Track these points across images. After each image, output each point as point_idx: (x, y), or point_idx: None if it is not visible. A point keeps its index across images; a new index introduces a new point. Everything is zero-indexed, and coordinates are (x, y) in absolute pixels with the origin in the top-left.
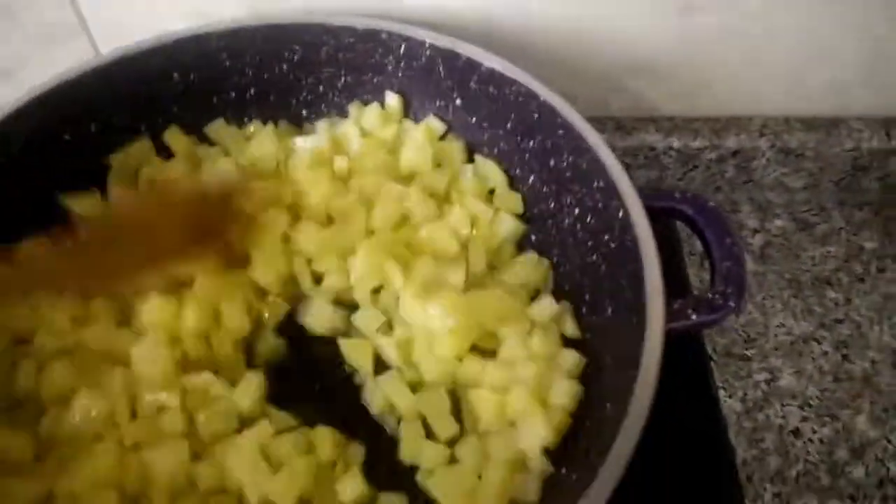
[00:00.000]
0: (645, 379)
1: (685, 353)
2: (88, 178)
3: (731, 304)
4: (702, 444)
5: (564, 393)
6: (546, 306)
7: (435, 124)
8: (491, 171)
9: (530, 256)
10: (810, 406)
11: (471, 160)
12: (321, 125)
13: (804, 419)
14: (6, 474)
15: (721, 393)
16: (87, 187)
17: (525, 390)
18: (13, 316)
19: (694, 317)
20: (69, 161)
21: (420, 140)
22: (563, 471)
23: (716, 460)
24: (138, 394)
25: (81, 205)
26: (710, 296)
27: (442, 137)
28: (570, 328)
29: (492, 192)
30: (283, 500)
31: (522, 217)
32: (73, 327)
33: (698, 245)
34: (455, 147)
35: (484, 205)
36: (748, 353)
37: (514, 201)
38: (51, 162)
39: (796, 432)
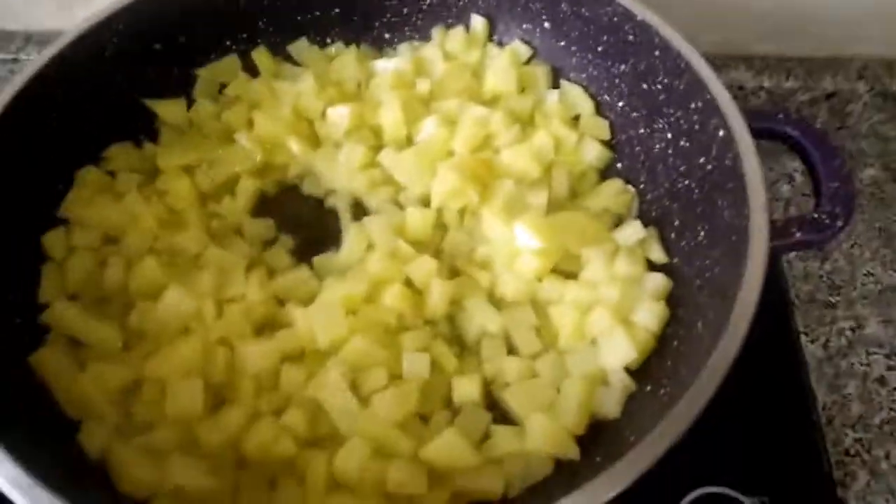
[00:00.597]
0: (748, 292)
1: (768, 295)
2: (176, 88)
3: (839, 223)
4: (781, 386)
5: (649, 314)
6: (631, 231)
7: (520, 48)
8: (577, 96)
9: (615, 183)
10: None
11: (556, 85)
12: (403, 48)
13: (890, 368)
14: (97, 360)
15: (803, 338)
16: (175, 95)
17: (607, 310)
18: (104, 216)
19: (798, 234)
20: (158, 70)
21: (504, 64)
22: (648, 388)
23: (795, 403)
24: (224, 292)
25: (166, 110)
26: (815, 215)
27: (527, 62)
28: (657, 253)
29: (577, 117)
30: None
31: (609, 144)
32: (160, 230)
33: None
34: (540, 71)
35: (568, 130)
36: (833, 300)
37: (601, 127)
38: (141, 70)
39: (881, 380)
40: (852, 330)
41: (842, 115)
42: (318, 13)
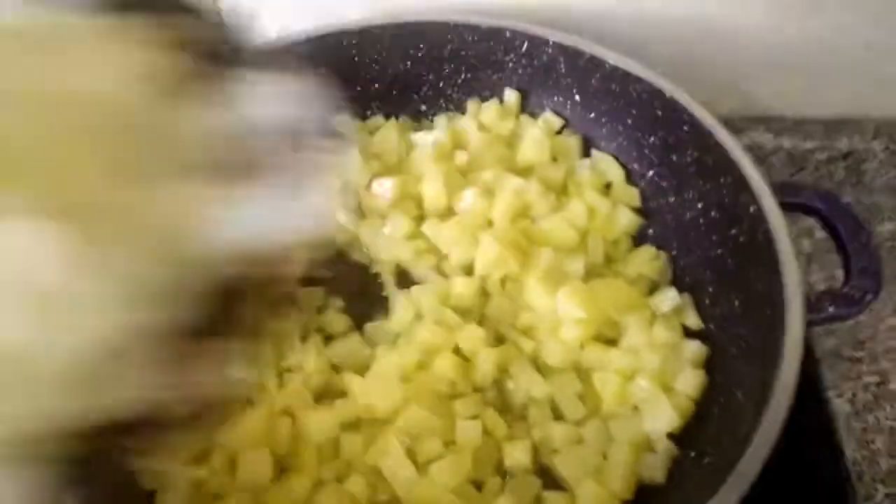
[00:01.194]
0: (787, 370)
1: None
2: None
3: (869, 297)
4: (810, 442)
5: (689, 381)
6: (667, 298)
7: (552, 120)
8: (608, 165)
9: (647, 249)
10: None
11: (587, 154)
12: (439, 120)
13: None
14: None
15: (830, 394)
16: None
17: (649, 377)
18: None
19: (831, 309)
20: None
21: (537, 135)
22: (692, 454)
23: (825, 459)
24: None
25: None
26: (845, 290)
27: (559, 132)
28: (693, 319)
29: (608, 185)
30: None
31: (640, 211)
32: None
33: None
34: (572, 142)
35: (601, 198)
36: (857, 355)
37: (632, 195)
38: None
39: None
40: (877, 385)
41: (858, 172)
42: (359, 89)
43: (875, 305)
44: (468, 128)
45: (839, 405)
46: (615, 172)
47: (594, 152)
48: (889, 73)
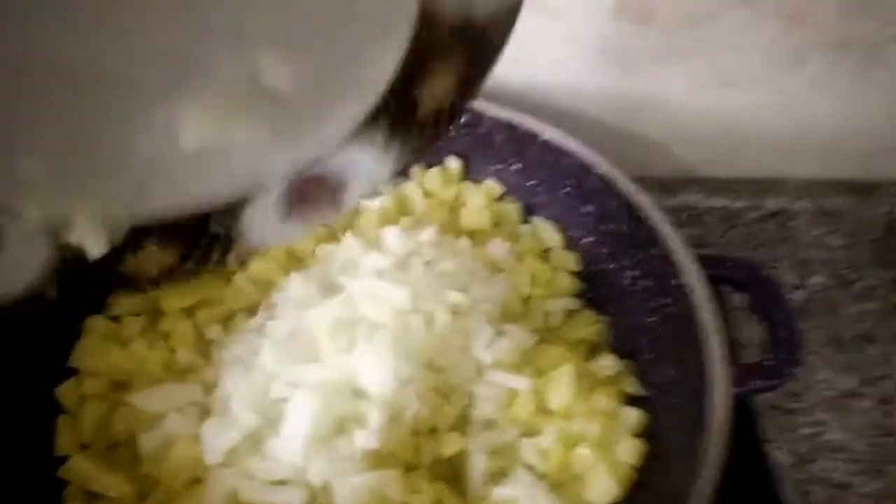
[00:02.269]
0: (714, 445)
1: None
2: None
3: (789, 370)
4: (753, 495)
5: (628, 450)
6: (606, 364)
7: (493, 187)
8: (547, 231)
9: (587, 314)
10: (857, 461)
11: (527, 221)
12: (385, 186)
13: (852, 473)
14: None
15: (769, 446)
16: None
17: (590, 446)
18: (111, 363)
19: (757, 382)
20: None
21: (479, 202)
22: None
23: None
24: None
25: None
26: (769, 363)
27: (500, 198)
28: (632, 386)
29: (547, 251)
30: None
31: (579, 275)
32: (166, 373)
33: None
34: (512, 208)
35: (541, 264)
36: (794, 406)
37: (570, 260)
38: None
39: (844, 486)
40: (814, 436)
41: (787, 229)
42: None
43: (809, 357)
44: (413, 194)
45: (778, 457)
46: (553, 238)
47: (534, 219)
48: (808, 140)
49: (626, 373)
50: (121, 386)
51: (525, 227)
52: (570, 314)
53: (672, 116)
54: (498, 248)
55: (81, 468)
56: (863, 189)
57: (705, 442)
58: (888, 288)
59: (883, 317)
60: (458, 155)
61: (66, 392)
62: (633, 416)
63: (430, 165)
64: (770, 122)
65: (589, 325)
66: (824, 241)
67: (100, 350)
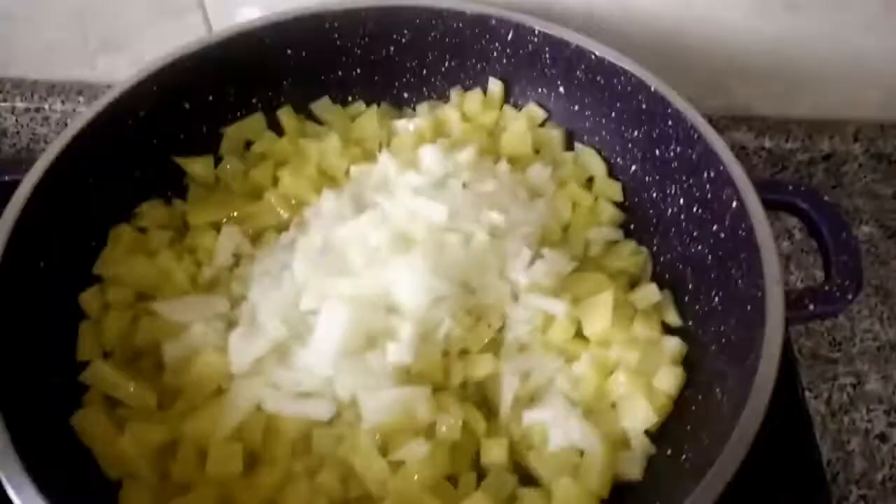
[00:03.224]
0: (766, 368)
1: None
2: (204, 146)
3: (849, 296)
4: (788, 443)
5: (667, 378)
6: (647, 294)
7: (536, 112)
8: (591, 158)
9: (628, 244)
10: None
11: (571, 147)
12: (422, 108)
13: (890, 425)
14: (135, 420)
15: (806, 394)
16: (202, 153)
17: (627, 373)
18: (137, 273)
19: (811, 307)
20: (187, 128)
21: (520, 127)
22: (668, 452)
23: (802, 460)
24: None
25: (195, 168)
26: (826, 288)
27: (542, 124)
28: (672, 316)
29: (591, 179)
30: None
31: (622, 205)
32: (191, 286)
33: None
34: (555, 134)
35: (584, 192)
36: (833, 356)
37: (614, 189)
38: (171, 129)
39: (882, 437)
40: (853, 386)
41: (838, 174)
42: (340, 73)
43: (852, 307)
44: (451, 117)
45: (815, 406)
46: (597, 166)
47: (577, 146)
48: (869, 77)
49: (666, 303)
50: (145, 296)
51: (568, 154)
52: (610, 244)
53: (727, 43)
54: (539, 173)
55: (102, 374)
56: None
57: (754, 370)
58: None
59: None
60: (501, 78)
61: (89, 299)
62: (673, 344)
63: (468, 88)
64: (830, 55)
65: (630, 256)
66: (875, 189)
67: (125, 260)
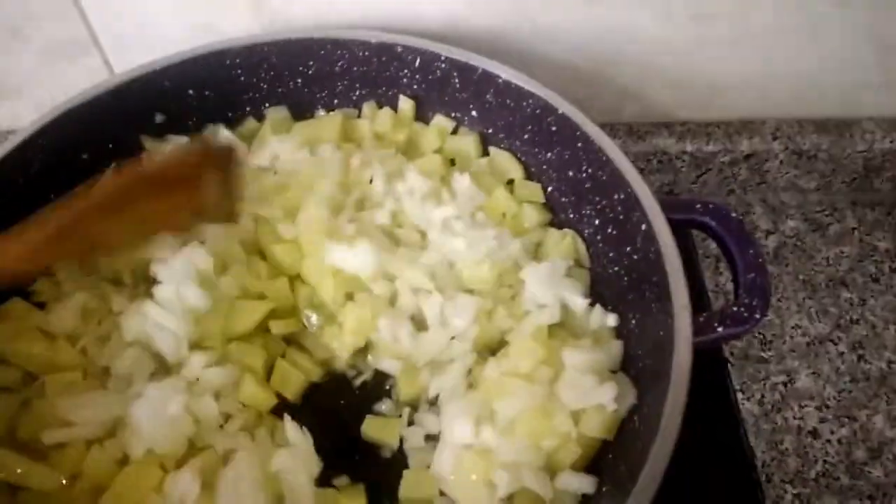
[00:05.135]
0: (675, 396)
1: (702, 355)
2: None
3: (757, 315)
4: (721, 445)
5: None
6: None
7: (444, 122)
8: (507, 162)
9: (553, 233)
10: (827, 407)
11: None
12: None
13: (822, 420)
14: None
15: (739, 395)
16: None
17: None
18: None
19: (720, 329)
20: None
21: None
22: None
23: (735, 462)
24: None
25: None
26: (734, 308)
27: (454, 132)
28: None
29: (510, 183)
30: None
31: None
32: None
33: (711, 247)
34: (468, 141)
35: (508, 197)
36: (765, 355)
37: (534, 190)
38: (69, 180)
39: (814, 433)
40: (784, 384)
41: (761, 172)
42: (248, 108)
43: (781, 303)
44: (362, 129)
45: (749, 407)
46: (514, 169)
47: (492, 149)
48: (782, 77)
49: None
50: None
51: (483, 160)
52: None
53: (640, 55)
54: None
55: (3, 460)
56: (838, 127)
57: (664, 398)
58: (864, 230)
59: (858, 260)
60: (411, 97)
61: None
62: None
63: (380, 105)
64: (741, 59)
65: (561, 243)
66: (798, 184)
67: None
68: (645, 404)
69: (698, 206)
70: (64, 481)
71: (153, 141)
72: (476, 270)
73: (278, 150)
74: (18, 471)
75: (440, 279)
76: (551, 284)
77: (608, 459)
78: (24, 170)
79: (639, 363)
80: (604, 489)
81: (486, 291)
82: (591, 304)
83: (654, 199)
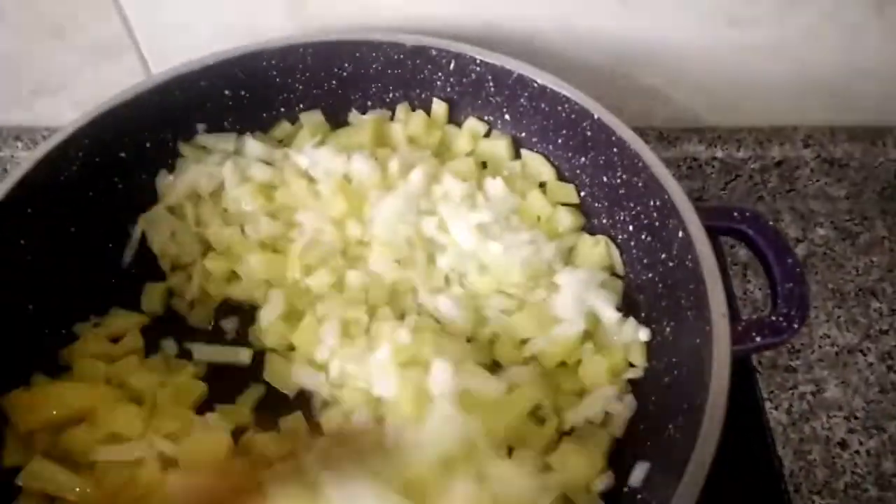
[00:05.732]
0: (714, 404)
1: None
2: (142, 195)
3: (795, 325)
4: (749, 455)
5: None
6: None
7: (476, 125)
8: (539, 165)
9: (587, 239)
10: (856, 418)
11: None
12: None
13: (850, 431)
14: None
15: (767, 404)
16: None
17: None
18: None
19: (758, 339)
20: (124, 178)
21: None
22: (625, 490)
23: (763, 472)
24: None
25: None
26: (772, 318)
27: (486, 134)
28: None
29: (542, 185)
30: None
31: (579, 208)
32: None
33: (739, 254)
34: (501, 145)
35: (543, 200)
36: (793, 364)
37: (568, 191)
38: (108, 179)
39: (843, 444)
40: (812, 394)
41: (791, 179)
42: (283, 109)
43: (810, 313)
44: (395, 132)
45: (777, 416)
46: (547, 171)
47: (524, 152)
48: (813, 84)
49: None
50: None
51: (515, 163)
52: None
53: (674, 60)
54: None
55: (43, 472)
56: (871, 135)
57: (702, 406)
58: (894, 240)
59: (888, 269)
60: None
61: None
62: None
63: (413, 108)
64: (775, 65)
65: (594, 250)
66: (829, 192)
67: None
68: (682, 413)
69: (735, 213)
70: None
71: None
72: (508, 274)
73: (315, 157)
74: (61, 485)
75: None
76: (586, 292)
77: (645, 465)
78: (65, 167)
79: (674, 371)
80: (638, 497)
81: (517, 295)
82: (625, 315)
83: (691, 206)
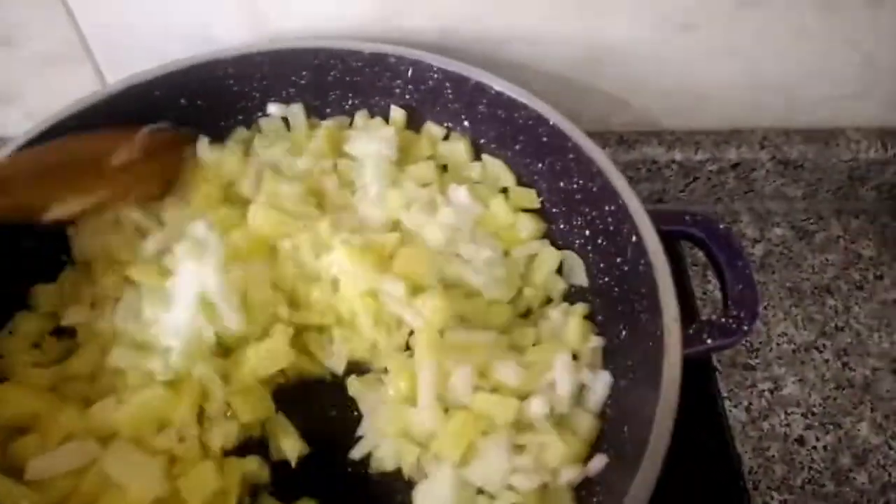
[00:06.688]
0: (665, 408)
1: (691, 363)
2: None
3: (745, 327)
4: (708, 452)
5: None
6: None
7: (434, 129)
8: (500, 169)
9: (549, 250)
10: (813, 414)
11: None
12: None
13: (808, 427)
14: None
15: (726, 403)
16: None
17: None
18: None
19: (709, 341)
20: None
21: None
22: (583, 493)
23: (722, 469)
24: None
25: None
26: (723, 320)
27: (445, 138)
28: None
29: (504, 190)
30: None
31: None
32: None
33: (699, 254)
34: (459, 146)
35: (505, 206)
36: (752, 362)
37: (529, 196)
38: None
39: (800, 440)
40: (770, 391)
41: (748, 180)
42: (240, 118)
43: (767, 311)
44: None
45: (736, 414)
46: (507, 177)
47: (484, 156)
48: (769, 86)
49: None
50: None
51: (475, 164)
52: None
53: (630, 65)
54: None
55: None
56: (824, 137)
57: (654, 408)
58: (849, 238)
59: (843, 268)
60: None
61: None
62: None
63: (372, 115)
64: (729, 68)
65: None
66: (785, 192)
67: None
68: (637, 415)
69: (688, 217)
70: None
71: None
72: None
73: (267, 160)
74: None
75: None
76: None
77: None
78: None
79: (629, 374)
80: (594, 499)
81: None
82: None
83: (644, 211)
